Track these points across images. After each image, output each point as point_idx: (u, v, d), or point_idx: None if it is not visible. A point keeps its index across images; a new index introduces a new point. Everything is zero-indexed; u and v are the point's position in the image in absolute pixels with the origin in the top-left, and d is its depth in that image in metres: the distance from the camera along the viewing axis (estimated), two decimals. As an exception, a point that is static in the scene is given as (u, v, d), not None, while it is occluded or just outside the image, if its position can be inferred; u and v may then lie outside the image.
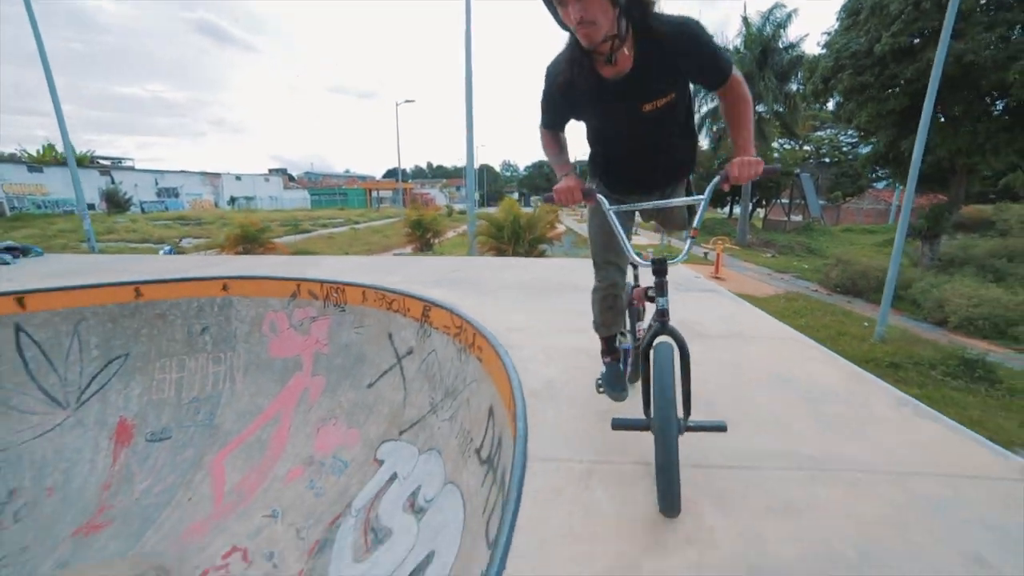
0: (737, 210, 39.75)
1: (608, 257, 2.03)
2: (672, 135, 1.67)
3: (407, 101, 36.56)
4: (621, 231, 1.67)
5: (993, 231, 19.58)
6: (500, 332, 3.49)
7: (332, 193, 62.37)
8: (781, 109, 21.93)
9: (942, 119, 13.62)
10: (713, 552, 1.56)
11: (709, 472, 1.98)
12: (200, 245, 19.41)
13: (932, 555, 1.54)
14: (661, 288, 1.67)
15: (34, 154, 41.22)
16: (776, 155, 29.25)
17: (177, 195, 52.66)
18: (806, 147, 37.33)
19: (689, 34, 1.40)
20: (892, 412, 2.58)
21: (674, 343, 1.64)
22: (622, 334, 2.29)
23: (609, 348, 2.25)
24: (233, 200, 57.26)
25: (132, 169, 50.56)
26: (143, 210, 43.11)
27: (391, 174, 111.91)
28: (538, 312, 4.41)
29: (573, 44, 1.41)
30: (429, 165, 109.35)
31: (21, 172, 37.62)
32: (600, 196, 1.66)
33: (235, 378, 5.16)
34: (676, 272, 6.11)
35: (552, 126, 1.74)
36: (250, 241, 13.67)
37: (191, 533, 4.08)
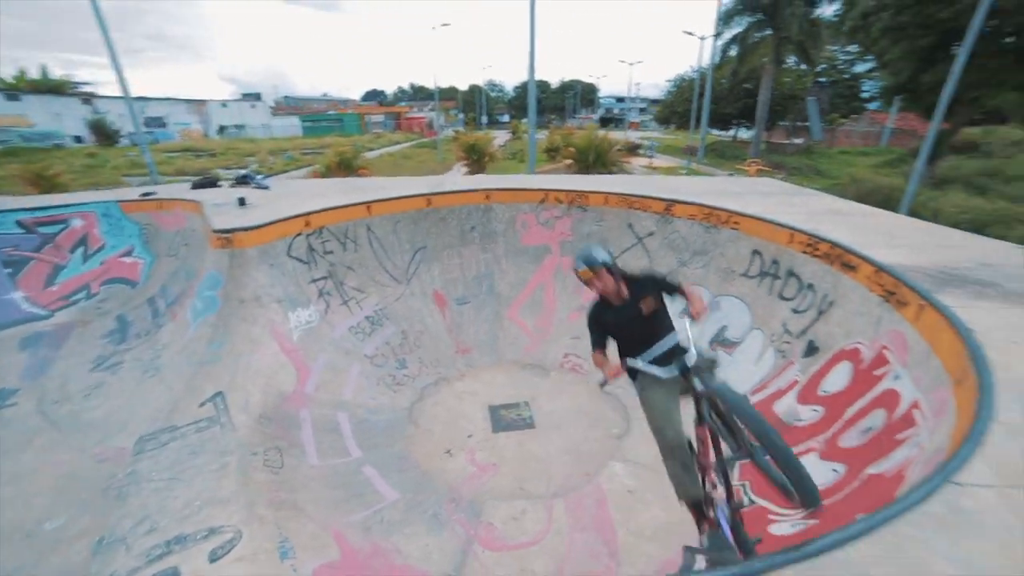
0: (743, 133, 41.64)
1: (671, 415, 2.50)
2: (655, 316, 2.71)
3: (443, 25, 34.95)
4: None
5: (979, 153, 22.23)
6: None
7: (327, 119, 60.41)
8: (803, 39, 23.25)
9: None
10: None
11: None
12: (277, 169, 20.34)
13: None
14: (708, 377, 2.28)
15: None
16: (787, 79, 30.68)
17: (164, 125, 50.51)
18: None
19: (650, 275, 2.78)
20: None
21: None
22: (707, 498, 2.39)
23: (701, 515, 2.46)
24: (223, 129, 55.20)
25: (113, 97, 47.78)
26: (133, 143, 41.18)
27: (370, 96, 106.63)
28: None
29: (600, 298, 2.73)
30: (412, 86, 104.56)
31: (-1, 101, 33.65)
32: (637, 364, 2.49)
33: (500, 261, 7.26)
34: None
35: (598, 346, 2.74)
36: (346, 167, 15.08)
37: (528, 351, 6.40)
